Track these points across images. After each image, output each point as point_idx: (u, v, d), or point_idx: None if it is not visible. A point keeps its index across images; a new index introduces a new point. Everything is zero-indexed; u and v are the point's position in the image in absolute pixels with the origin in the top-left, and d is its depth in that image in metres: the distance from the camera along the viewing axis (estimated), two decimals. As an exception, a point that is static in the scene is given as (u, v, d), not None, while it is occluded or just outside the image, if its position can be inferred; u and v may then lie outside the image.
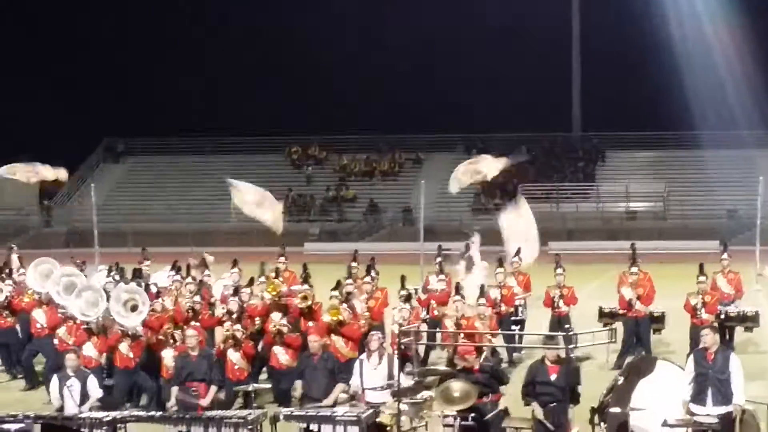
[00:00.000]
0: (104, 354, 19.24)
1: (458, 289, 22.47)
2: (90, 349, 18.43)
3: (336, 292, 21.47)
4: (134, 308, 19.52)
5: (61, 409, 16.73)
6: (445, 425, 15.56)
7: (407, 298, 21.49)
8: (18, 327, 23.20)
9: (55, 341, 19.41)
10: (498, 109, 69.08)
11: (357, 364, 17.11)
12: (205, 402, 16.90)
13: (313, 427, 15.66)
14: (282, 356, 19.12)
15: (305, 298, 21.56)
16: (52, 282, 21.36)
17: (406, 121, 69.42)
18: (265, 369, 20.36)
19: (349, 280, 23.09)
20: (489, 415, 15.46)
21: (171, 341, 19.01)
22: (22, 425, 15.02)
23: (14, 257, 27.85)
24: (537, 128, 69.68)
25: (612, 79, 68.10)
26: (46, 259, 23.75)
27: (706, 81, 63.59)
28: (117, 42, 75.12)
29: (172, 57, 74.57)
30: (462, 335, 18.49)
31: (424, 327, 21.65)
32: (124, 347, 18.96)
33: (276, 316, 20.07)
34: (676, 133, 67.02)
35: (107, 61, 74.62)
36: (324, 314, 20.19)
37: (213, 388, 17.30)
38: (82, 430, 15.69)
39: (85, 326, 19.51)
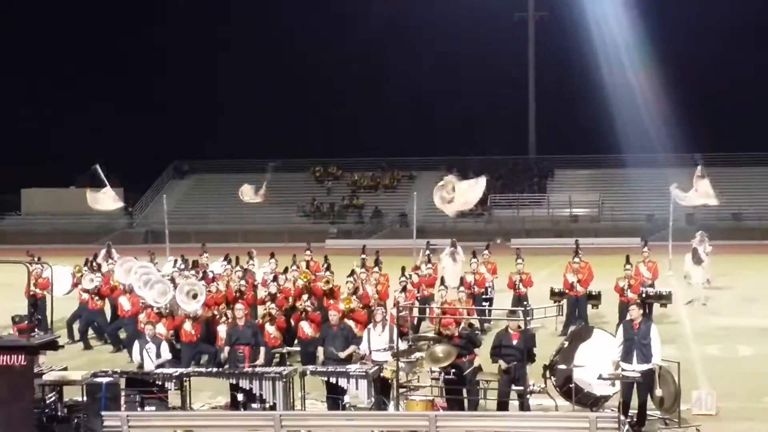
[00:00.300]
0: (172, 331, 19.21)
1: (443, 281, 22.63)
2: (161, 328, 18.36)
3: (351, 278, 21.50)
4: (194, 296, 19.55)
5: (140, 366, 16.77)
6: (432, 378, 15.53)
7: (403, 289, 21.59)
8: (104, 308, 23.40)
9: (141, 324, 19.27)
10: (473, 138, 69.48)
11: (365, 332, 17.07)
12: (259, 362, 16.86)
13: (332, 380, 15.70)
14: (307, 329, 19.09)
15: (327, 282, 21.67)
16: (133, 277, 21.38)
17: (402, 147, 69.82)
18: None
19: (363, 269, 23.19)
20: (467, 371, 15.44)
21: (224, 318, 19.05)
22: (111, 378, 15.01)
23: (103, 252, 28.00)
24: (502, 153, 69.98)
25: (559, 115, 68.55)
26: (128, 258, 23.82)
27: (631, 116, 63.96)
28: (187, 86, 75.33)
29: (229, 96, 74.78)
30: (448, 310, 18.48)
31: (416, 304, 21.73)
32: (187, 326, 18.93)
33: (305, 298, 20.14)
34: (608, 156, 67.23)
35: (179, 100, 74.94)
36: (339, 302, 20.26)
37: (262, 350, 17.25)
38: (157, 382, 15.72)
39: (157, 310, 19.54)
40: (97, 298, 22.94)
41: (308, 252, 25.97)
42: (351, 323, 18.87)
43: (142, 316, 19.65)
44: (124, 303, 21.67)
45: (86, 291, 22.97)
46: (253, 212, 60.87)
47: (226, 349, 17.45)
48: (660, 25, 62.44)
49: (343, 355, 16.68)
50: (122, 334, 22.16)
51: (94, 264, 24.74)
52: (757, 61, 65.59)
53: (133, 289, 21.17)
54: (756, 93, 65.63)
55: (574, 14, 64.99)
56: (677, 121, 60.70)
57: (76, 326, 23.15)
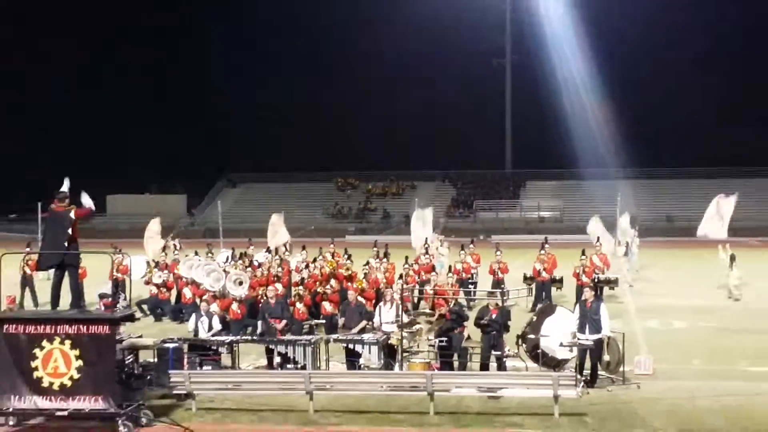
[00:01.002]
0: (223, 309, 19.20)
1: (433, 268, 22.64)
2: (215, 307, 18.40)
3: (367, 267, 21.71)
4: (240, 283, 19.65)
5: (195, 334, 16.89)
6: (429, 345, 15.57)
7: (406, 275, 21.63)
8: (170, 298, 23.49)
9: (203, 305, 19.16)
10: (462, 156, 69.39)
11: (377, 309, 17.11)
12: (279, 327, 17.04)
13: (350, 346, 15.77)
14: (328, 307, 19.19)
15: (347, 269, 21.75)
16: (194, 271, 21.49)
17: (406, 163, 69.59)
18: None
19: (377, 259, 23.30)
20: (464, 343, 15.55)
21: (265, 298, 19.08)
22: (176, 344, 15.09)
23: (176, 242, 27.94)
24: (485, 167, 69.95)
25: (530, 137, 68.23)
26: (191, 257, 23.86)
27: (587, 138, 63.51)
28: (238, 111, 75.59)
29: (270, 122, 74.70)
30: (438, 293, 18.54)
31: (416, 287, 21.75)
32: (234, 306, 18.89)
33: (332, 282, 20.22)
34: (569, 170, 66.82)
35: (231, 124, 75.23)
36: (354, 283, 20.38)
37: (284, 321, 17.38)
38: (212, 347, 15.80)
39: (212, 294, 19.59)
40: (165, 289, 23.01)
41: (332, 245, 25.98)
42: (363, 300, 18.99)
43: (205, 297, 19.72)
44: (187, 293, 21.84)
45: (156, 285, 23.11)
46: (289, 214, 60.70)
47: (260, 322, 17.57)
48: (609, 62, 62.23)
49: (355, 330, 16.71)
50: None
51: (161, 263, 24.65)
52: (693, 90, 65.25)
53: (194, 281, 21.27)
54: (689, 118, 65.50)
55: (541, 58, 65.17)
56: (624, 142, 60.70)
57: (144, 307, 23.18)
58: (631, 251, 29.54)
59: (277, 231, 28.50)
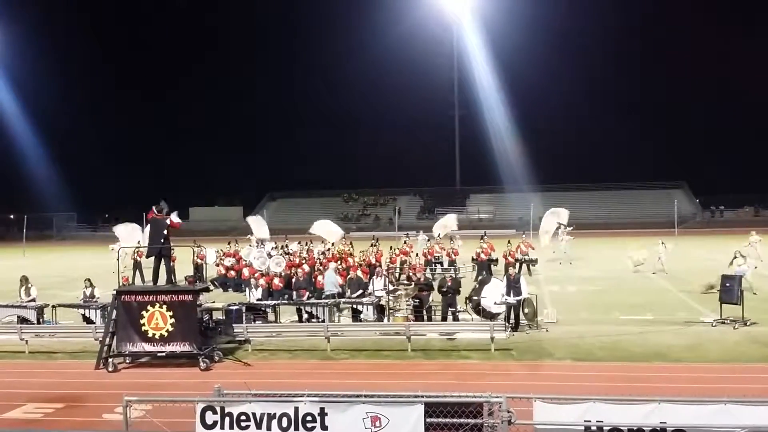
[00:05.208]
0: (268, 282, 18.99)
1: (408, 254, 22.53)
2: (262, 281, 18.24)
3: (363, 253, 21.54)
4: (279, 264, 19.50)
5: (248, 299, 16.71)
6: (407, 304, 15.55)
7: (390, 257, 21.45)
8: (233, 277, 22.94)
9: (253, 280, 18.89)
10: (427, 178, 69.15)
11: (371, 280, 17.04)
12: (304, 297, 16.80)
13: (354, 306, 15.70)
14: (339, 280, 19.01)
15: (350, 254, 21.59)
16: (250, 257, 21.34)
17: (390, 183, 69.14)
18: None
19: (372, 247, 23.15)
20: (428, 303, 15.52)
21: (296, 276, 18.88)
22: (237, 306, 15.02)
23: (252, 237, 27.44)
24: (442, 185, 69.70)
25: (472, 165, 68.01)
26: (249, 248, 23.65)
27: (510, 164, 63.22)
28: (279, 145, 74.86)
29: (299, 154, 74.08)
30: (411, 269, 18.48)
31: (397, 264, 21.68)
32: (276, 280, 18.58)
33: (339, 264, 20.01)
34: (499, 186, 66.45)
35: (272, 159, 74.66)
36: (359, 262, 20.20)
37: (306, 291, 17.26)
38: (261, 309, 15.71)
39: (261, 272, 19.46)
40: (232, 272, 22.64)
41: (343, 239, 25.85)
42: (361, 275, 18.95)
43: (256, 274, 19.62)
44: (245, 272, 21.54)
45: (225, 267, 22.86)
46: (314, 219, 60.50)
47: (294, 292, 17.48)
48: (525, 112, 61.75)
49: (354, 296, 16.53)
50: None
51: (228, 252, 24.40)
52: (584, 130, 64.35)
53: (251, 264, 21.12)
54: (580, 150, 64.40)
55: (481, 111, 65.01)
56: (534, 168, 60.82)
57: (215, 282, 22.91)
58: (565, 240, 29.08)
59: (329, 230, 27.37)
